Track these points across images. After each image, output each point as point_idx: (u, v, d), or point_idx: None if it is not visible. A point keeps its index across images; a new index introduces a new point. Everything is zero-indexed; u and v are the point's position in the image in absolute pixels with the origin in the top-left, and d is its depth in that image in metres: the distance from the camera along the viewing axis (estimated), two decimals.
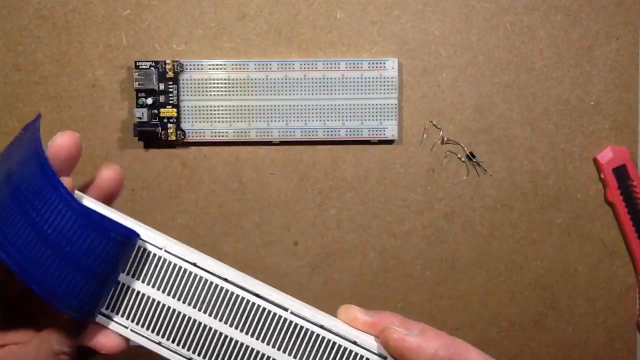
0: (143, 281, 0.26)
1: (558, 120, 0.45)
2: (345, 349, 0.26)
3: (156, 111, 0.44)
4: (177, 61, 0.44)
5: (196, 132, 0.45)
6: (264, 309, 0.26)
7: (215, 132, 0.44)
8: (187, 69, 0.44)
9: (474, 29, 0.45)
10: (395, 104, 0.44)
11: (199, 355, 0.26)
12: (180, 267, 0.26)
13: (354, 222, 0.46)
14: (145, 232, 0.26)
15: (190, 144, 0.45)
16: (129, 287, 0.26)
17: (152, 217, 0.45)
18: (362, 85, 0.44)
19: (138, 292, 0.26)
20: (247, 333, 0.26)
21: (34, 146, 0.25)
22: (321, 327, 0.26)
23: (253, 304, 0.26)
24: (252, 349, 0.26)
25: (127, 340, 0.26)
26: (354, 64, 0.44)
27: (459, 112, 0.45)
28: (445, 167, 0.45)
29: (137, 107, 0.44)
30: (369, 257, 0.46)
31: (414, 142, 0.45)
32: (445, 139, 0.45)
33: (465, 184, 0.45)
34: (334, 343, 0.26)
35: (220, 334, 0.26)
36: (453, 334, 0.48)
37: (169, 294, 0.26)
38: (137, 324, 0.26)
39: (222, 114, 0.44)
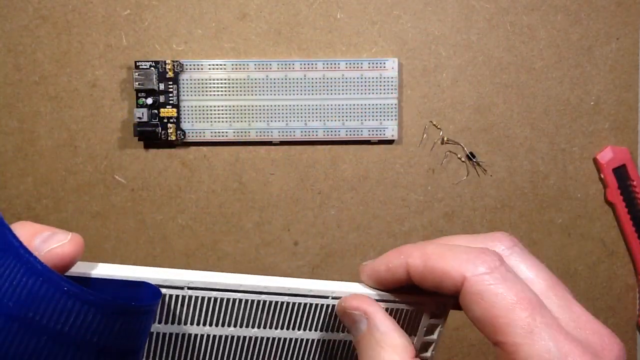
0: (173, 323, 0.24)
1: (558, 120, 0.45)
2: (387, 309, 0.26)
3: (156, 111, 0.44)
4: (177, 61, 0.44)
5: (196, 132, 0.45)
6: (306, 304, 0.26)
7: (215, 132, 0.44)
8: (187, 69, 0.44)
9: (474, 29, 0.45)
10: (395, 104, 0.44)
11: None
12: (209, 299, 0.24)
13: (354, 222, 0.46)
14: (163, 278, 0.24)
15: (190, 144, 0.45)
16: (162, 333, 0.24)
17: (152, 217, 0.45)
18: (362, 85, 0.44)
19: (171, 334, 0.24)
20: (294, 329, 0.26)
21: (4, 237, 0.20)
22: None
23: (295, 303, 0.25)
24: (303, 340, 0.26)
25: None
26: (354, 64, 0.44)
27: (459, 112, 0.45)
28: (445, 167, 0.45)
29: (137, 107, 0.44)
30: (369, 257, 0.46)
31: (414, 142, 0.45)
32: (445, 139, 0.45)
33: (465, 184, 0.45)
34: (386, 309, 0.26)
35: (269, 338, 0.26)
36: (453, 334, 0.48)
37: (204, 325, 0.25)
38: None
39: (222, 114, 0.44)
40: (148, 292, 0.23)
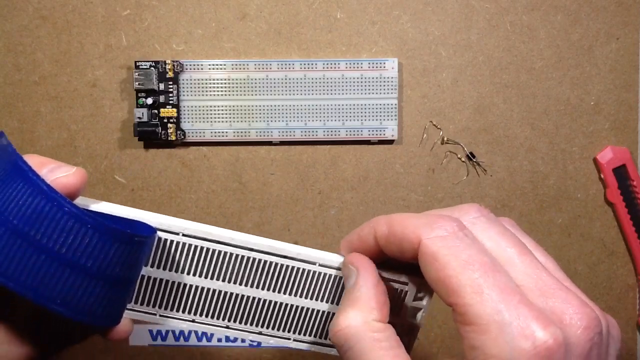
0: (165, 269, 0.26)
1: (558, 120, 0.45)
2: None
3: (156, 111, 0.44)
4: (177, 61, 0.44)
5: (196, 132, 0.45)
6: (293, 267, 0.27)
7: (215, 132, 0.44)
8: (187, 69, 0.44)
9: (474, 29, 0.45)
10: (395, 104, 0.44)
11: (234, 321, 0.27)
12: (202, 248, 0.25)
13: (354, 222, 0.46)
14: (159, 221, 0.25)
15: (190, 144, 0.45)
16: (153, 278, 0.25)
17: None
18: (362, 85, 0.44)
19: (162, 280, 0.26)
20: (279, 292, 0.27)
21: (14, 163, 0.21)
22: (337, 269, 0.27)
23: (282, 265, 0.26)
24: (287, 305, 0.27)
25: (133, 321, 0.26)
26: (354, 64, 0.44)
27: (459, 112, 0.45)
28: (445, 167, 0.45)
29: (137, 107, 0.44)
30: None
31: (414, 142, 0.45)
32: (445, 139, 0.45)
33: (465, 184, 0.45)
34: None
35: (254, 298, 0.26)
36: (454, 334, 0.48)
37: (194, 275, 0.26)
38: (166, 308, 0.26)
39: (222, 114, 0.44)
40: (144, 228, 0.24)
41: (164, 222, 0.25)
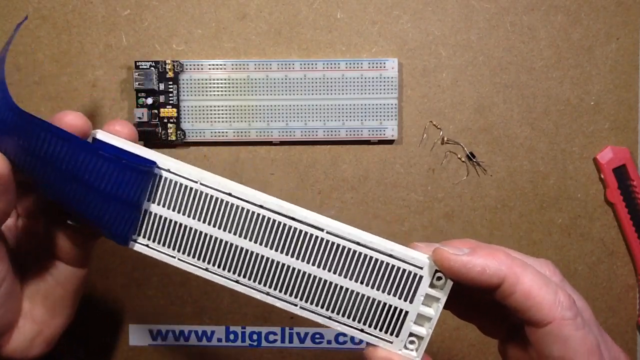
0: (179, 212, 0.28)
1: (558, 120, 0.45)
2: (382, 262, 0.27)
3: (156, 111, 0.44)
4: (177, 61, 0.44)
5: (196, 132, 0.45)
6: (301, 231, 0.27)
7: (215, 132, 0.44)
8: (187, 69, 0.44)
9: (474, 29, 0.45)
10: (395, 104, 0.44)
11: (244, 277, 0.27)
12: (212, 197, 0.27)
13: (354, 222, 0.45)
14: (171, 165, 0.28)
15: (190, 144, 0.45)
16: (170, 220, 0.28)
17: None
18: (362, 85, 0.44)
19: (179, 224, 0.27)
20: (286, 254, 0.27)
21: (30, 118, 0.27)
22: (357, 243, 0.27)
23: (290, 227, 0.27)
24: (293, 268, 0.27)
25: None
26: (354, 64, 0.44)
27: (459, 112, 0.45)
28: (445, 167, 0.45)
29: (137, 107, 0.44)
30: None
31: (414, 142, 0.45)
32: (445, 139, 0.45)
33: (465, 184, 0.45)
34: (371, 257, 0.27)
35: (263, 257, 0.27)
36: (453, 334, 0.48)
37: (209, 224, 0.27)
38: (184, 253, 0.28)
39: (222, 114, 0.44)
40: (147, 162, 0.28)
41: (182, 168, 0.28)
